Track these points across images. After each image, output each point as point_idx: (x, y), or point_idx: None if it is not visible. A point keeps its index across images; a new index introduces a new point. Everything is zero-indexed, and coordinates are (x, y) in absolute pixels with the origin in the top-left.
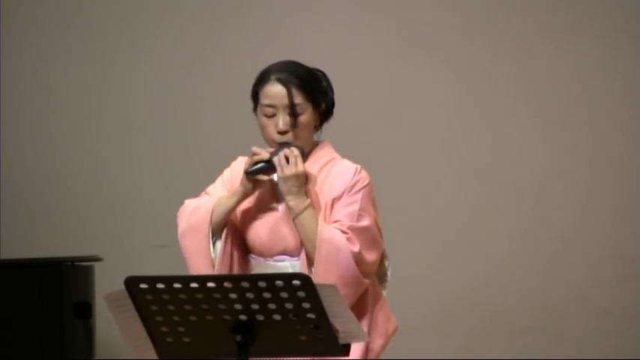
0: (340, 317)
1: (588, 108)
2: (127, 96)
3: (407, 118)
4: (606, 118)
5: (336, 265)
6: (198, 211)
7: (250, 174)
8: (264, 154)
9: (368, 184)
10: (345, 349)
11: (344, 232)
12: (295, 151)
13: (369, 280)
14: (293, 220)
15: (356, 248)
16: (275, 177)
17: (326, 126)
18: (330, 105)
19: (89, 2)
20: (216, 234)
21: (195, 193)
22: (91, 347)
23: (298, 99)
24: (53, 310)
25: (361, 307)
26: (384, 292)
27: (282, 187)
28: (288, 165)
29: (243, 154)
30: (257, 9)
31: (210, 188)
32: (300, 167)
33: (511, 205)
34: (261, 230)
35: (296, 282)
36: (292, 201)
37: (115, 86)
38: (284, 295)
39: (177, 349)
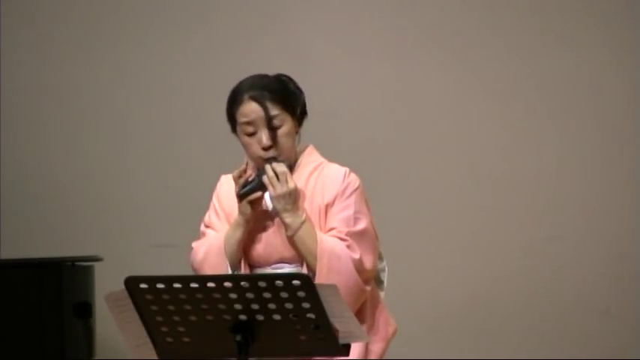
0: (340, 317)
1: (588, 108)
2: (127, 96)
3: (406, 119)
4: (606, 118)
5: (337, 275)
6: (211, 254)
7: (242, 196)
8: (249, 174)
9: (359, 186)
10: (345, 349)
11: (343, 240)
12: (283, 168)
13: (369, 287)
14: (291, 236)
15: (357, 255)
16: (267, 194)
17: (326, 127)
18: (303, 106)
19: (89, 3)
20: (235, 268)
21: (196, 193)
22: (91, 347)
23: (275, 111)
24: (53, 310)
25: (361, 311)
26: (382, 295)
27: (277, 206)
28: (279, 183)
29: (242, 155)
30: (257, 9)
31: (207, 220)
32: (291, 184)
33: (510, 205)
34: (255, 243)
35: (296, 282)
36: (288, 218)
37: (114, 86)
38: (284, 295)
39: (178, 349)
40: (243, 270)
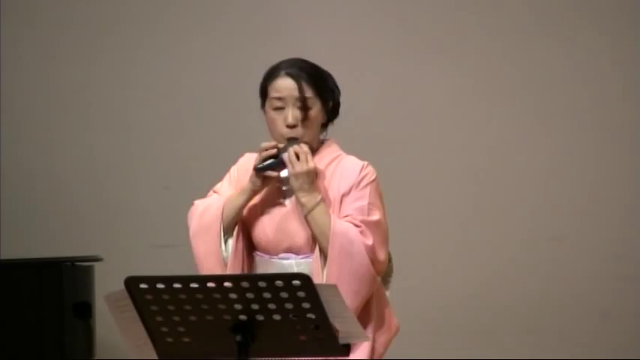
0: (340, 317)
1: (588, 108)
2: (127, 96)
3: (406, 118)
4: (606, 118)
5: (349, 259)
6: (208, 212)
7: (260, 170)
8: (273, 150)
9: (375, 179)
10: (345, 349)
11: (357, 226)
12: (305, 148)
13: (379, 278)
14: (305, 216)
15: (369, 241)
16: (284, 173)
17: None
18: (337, 104)
19: (89, 2)
20: (227, 233)
21: (196, 193)
22: (91, 347)
23: (308, 93)
24: (53, 310)
25: (368, 307)
26: (388, 293)
27: (294, 184)
28: (298, 162)
29: (243, 152)
30: (257, 8)
31: (218, 186)
32: (311, 164)
33: (510, 205)
34: (267, 227)
35: (296, 282)
36: (304, 197)
37: (114, 86)
38: (284, 295)
39: (177, 349)
40: (233, 258)
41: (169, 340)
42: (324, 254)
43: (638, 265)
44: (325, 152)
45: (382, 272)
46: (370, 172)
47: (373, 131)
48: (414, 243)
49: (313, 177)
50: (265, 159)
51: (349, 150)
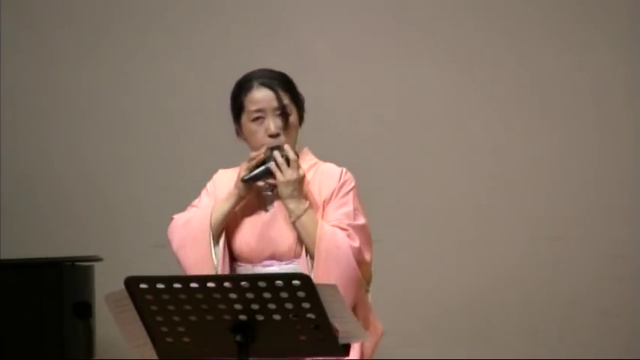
0: (340, 317)
1: (588, 108)
2: (126, 96)
3: (407, 119)
4: (605, 118)
5: (336, 263)
6: (194, 221)
7: (247, 181)
8: (260, 157)
9: (355, 186)
10: (345, 349)
11: (344, 229)
12: (293, 155)
13: (366, 283)
14: (293, 222)
15: (356, 243)
16: (270, 181)
17: (327, 127)
18: (303, 109)
19: (88, 2)
20: (214, 240)
21: (195, 193)
22: (91, 347)
23: (285, 100)
24: (53, 310)
25: (354, 311)
26: (369, 297)
27: (283, 191)
28: (289, 169)
29: (242, 155)
30: (258, 9)
31: (197, 202)
32: (301, 171)
33: (511, 205)
34: (249, 236)
35: (296, 282)
36: (292, 204)
37: (114, 86)
38: (284, 295)
39: (177, 349)
40: (222, 265)
41: (169, 340)
42: (311, 258)
43: (638, 265)
44: (303, 160)
45: (368, 275)
46: (350, 178)
47: (375, 132)
48: (414, 243)
49: (302, 184)
50: (251, 169)
51: (350, 151)
